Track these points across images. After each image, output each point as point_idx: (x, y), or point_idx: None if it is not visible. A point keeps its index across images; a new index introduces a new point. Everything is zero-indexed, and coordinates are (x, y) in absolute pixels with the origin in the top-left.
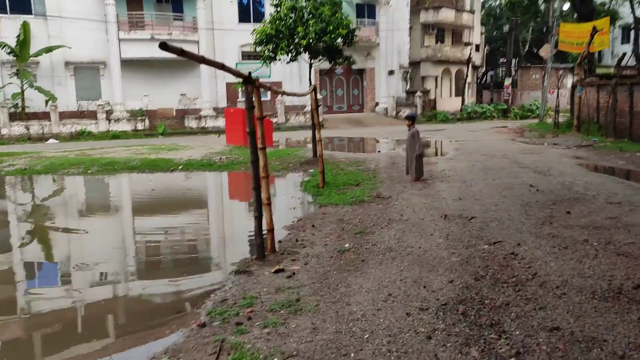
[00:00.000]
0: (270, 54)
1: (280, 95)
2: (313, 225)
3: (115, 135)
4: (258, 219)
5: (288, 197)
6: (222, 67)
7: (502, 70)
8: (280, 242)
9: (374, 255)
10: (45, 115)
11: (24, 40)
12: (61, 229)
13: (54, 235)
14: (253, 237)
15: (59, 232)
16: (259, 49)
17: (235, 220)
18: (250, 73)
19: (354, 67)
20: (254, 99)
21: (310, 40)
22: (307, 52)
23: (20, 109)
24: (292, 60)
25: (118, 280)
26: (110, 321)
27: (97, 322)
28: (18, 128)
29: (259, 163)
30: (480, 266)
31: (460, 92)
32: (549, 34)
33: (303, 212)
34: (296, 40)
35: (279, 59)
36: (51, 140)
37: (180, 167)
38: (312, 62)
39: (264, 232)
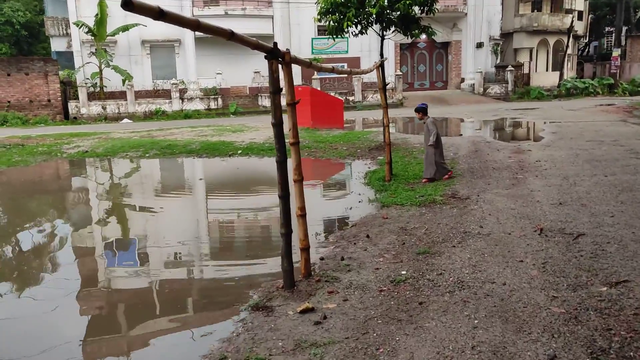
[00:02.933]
0: (336, 24)
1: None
2: (367, 236)
3: (188, 115)
4: (285, 236)
5: (347, 192)
6: (230, 35)
7: (607, 41)
8: (322, 259)
9: (438, 294)
10: (122, 95)
11: (100, 19)
12: (84, 220)
13: (81, 225)
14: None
15: (82, 223)
16: (323, 20)
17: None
18: (275, 44)
19: (438, 40)
20: (283, 79)
21: (382, 8)
22: (378, 23)
23: (98, 89)
24: (361, 32)
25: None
26: None
27: None
28: (96, 107)
29: (286, 164)
30: (598, 328)
31: (558, 65)
32: None
33: (360, 214)
34: (366, 9)
35: (346, 31)
36: (125, 120)
37: (240, 152)
38: (384, 34)
39: (298, 250)
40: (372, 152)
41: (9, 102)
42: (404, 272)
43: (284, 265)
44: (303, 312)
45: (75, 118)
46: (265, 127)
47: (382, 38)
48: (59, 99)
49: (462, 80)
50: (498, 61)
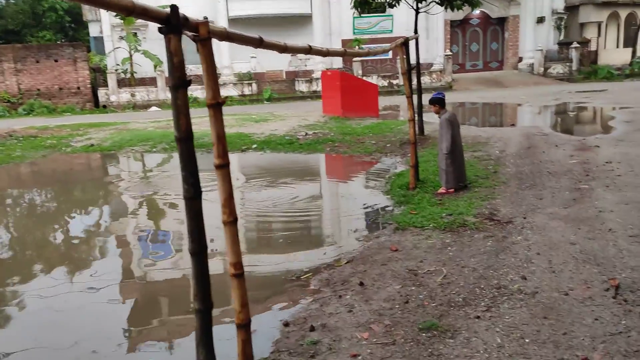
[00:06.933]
0: None
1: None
2: (361, 283)
3: None
4: (202, 315)
5: (359, 203)
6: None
7: None
8: (286, 325)
9: None
10: (153, 81)
11: None
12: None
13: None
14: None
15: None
16: None
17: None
18: (174, 8)
19: (494, 15)
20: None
21: None
22: None
23: (129, 75)
24: (390, 5)
25: None
26: None
27: None
28: (125, 95)
29: (199, 201)
30: None
31: (630, 41)
32: None
33: (365, 241)
34: None
35: (372, 3)
36: (153, 108)
37: (255, 146)
38: (419, 7)
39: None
40: (404, 147)
41: (38, 89)
42: None
43: (199, 358)
44: None
45: (104, 106)
46: (294, 115)
47: (417, 12)
48: (88, 86)
49: (520, 59)
50: (561, 37)
